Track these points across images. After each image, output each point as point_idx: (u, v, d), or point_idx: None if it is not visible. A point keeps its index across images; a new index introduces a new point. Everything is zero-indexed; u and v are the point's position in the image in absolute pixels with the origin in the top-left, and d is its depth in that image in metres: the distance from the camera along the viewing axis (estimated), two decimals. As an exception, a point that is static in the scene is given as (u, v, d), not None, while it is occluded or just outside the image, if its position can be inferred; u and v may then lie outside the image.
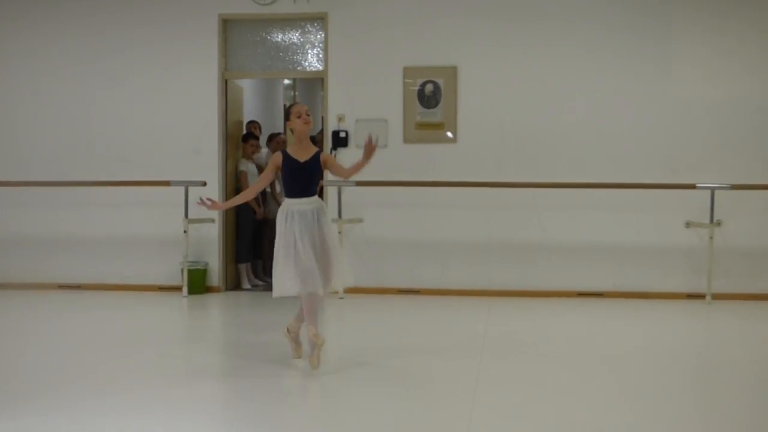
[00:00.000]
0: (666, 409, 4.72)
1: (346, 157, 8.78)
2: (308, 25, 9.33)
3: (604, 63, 8.89)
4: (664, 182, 8.65)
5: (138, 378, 5.37)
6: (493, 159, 8.97)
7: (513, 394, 5.02)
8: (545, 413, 4.60)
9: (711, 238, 8.44)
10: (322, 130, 9.51)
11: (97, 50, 9.40)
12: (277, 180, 9.83)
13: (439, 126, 9.07)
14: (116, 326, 7.35)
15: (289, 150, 5.66)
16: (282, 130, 11.28)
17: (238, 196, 6.36)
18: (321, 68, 9.31)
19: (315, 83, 12.26)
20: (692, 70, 8.84)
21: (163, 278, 9.24)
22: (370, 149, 5.52)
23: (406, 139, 9.07)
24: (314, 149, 5.67)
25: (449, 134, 9.06)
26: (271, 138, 10.28)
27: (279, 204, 9.65)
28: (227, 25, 9.36)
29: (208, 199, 5.75)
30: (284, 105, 13.61)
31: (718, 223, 8.54)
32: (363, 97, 9.09)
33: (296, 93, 13.99)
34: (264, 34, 9.39)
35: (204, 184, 8.88)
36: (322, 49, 9.27)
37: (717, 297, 8.50)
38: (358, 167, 5.69)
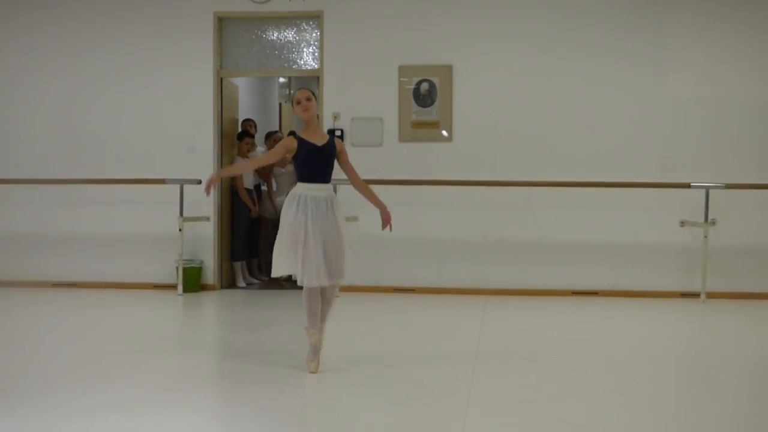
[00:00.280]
0: (661, 408, 4.73)
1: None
2: (304, 24, 9.32)
3: (598, 62, 8.90)
4: (659, 181, 8.67)
5: (132, 376, 5.36)
6: (489, 158, 8.98)
7: (508, 392, 5.03)
8: (540, 412, 4.60)
9: (705, 237, 8.46)
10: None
11: (91, 48, 9.38)
12: (274, 177, 9.85)
13: (435, 125, 9.08)
14: (111, 324, 7.33)
15: (303, 135, 5.46)
16: (278, 129, 11.28)
17: (235, 165, 5.95)
18: (316, 66, 9.30)
19: (310, 81, 12.24)
20: (686, 69, 8.85)
21: (158, 276, 9.23)
22: (386, 220, 5.59)
23: (402, 138, 9.08)
24: (327, 135, 5.56)
25: (444, 133, 9.06)
26: (269, 136, 10.28)
27: (274, 203, 9.73)
28: (222, 23, 9.35)
29: (207, 184, 5.50)
30: (279, 103, 13.61)
31: (713, 222, 8.57)
32: (358, 96, 9.09)
33: (291, 91, 13.99)
34: (259, 32, 9.38)
35: (199, 182, 8.86)
36: (317, 48, 9.26)
37: (711, 296, 8.52)
38: (379, 202, 5.62)
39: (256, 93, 12.05)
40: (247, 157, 9.58)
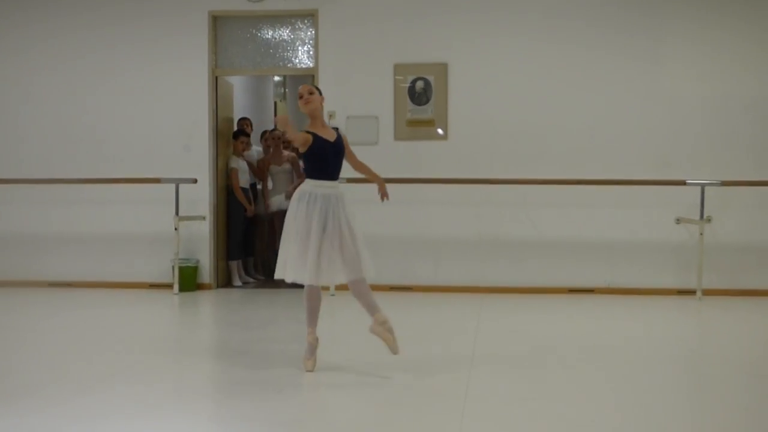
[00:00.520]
0: (658, 405, 4.73)
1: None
2: (298, 22, 9.31)
3: (595, 60, 8.90)
4: (655, 178, 8.67)
5: (128, 376, 5.35)
6: (484, 156, 8.97)
7: (504, 390, 5.02)
8: (536, 410, 4.60)
9: (701, 234, 8.46)
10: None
11: (86, 47, 9.36)
12: (271, 175, 9.82)
13: (430, 123, 9.07)
14: (107, 324, 7.32)
15: (312, 130, 5.37)
16: (273, 127, 11.24)
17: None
18: (311, 65, 9.29)
19: (306, 80, 12.22)
20: (683, 66, 8.86)
21: (154, 276, 9.22)
22: (382, 191, 5.59)
23: (397, 136, 9.07)
24: (334, 131, 5.47)
25: (440, 131, 9.06)
26: (264, 134, 10.26)
27: (266, 201, 9.71)
28: (217, 21, 9.33)
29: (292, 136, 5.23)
30: (274, 102, 13.59)
31: (708, 220, 8.57)
32: (354, 94, 9.08)
33: (286, 90, 13.97)
34: (254, 31, 9.36)
35: (195, 181, 8.87)
36: (312, 46, 9.25)
37: (707, 293, 8.53)
38: (373, 174, 5.62)
39: (251, 92, 12.03)
40: (242, 156, 9.58)
